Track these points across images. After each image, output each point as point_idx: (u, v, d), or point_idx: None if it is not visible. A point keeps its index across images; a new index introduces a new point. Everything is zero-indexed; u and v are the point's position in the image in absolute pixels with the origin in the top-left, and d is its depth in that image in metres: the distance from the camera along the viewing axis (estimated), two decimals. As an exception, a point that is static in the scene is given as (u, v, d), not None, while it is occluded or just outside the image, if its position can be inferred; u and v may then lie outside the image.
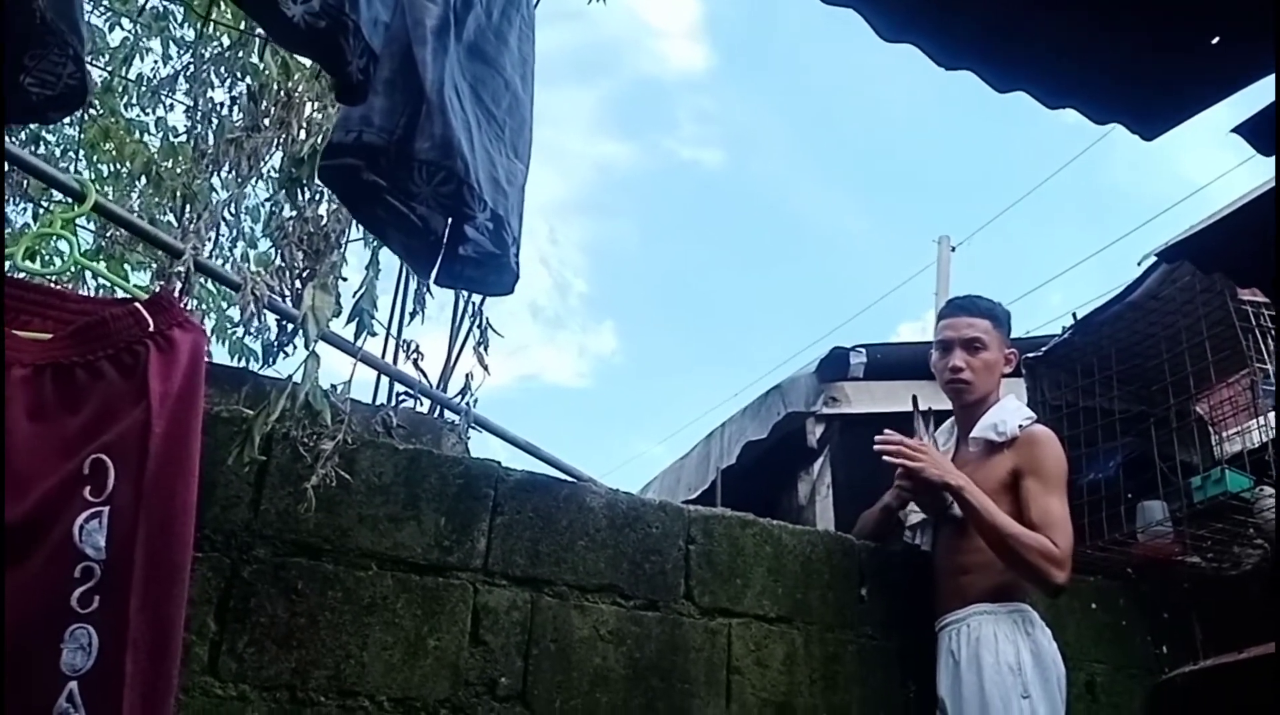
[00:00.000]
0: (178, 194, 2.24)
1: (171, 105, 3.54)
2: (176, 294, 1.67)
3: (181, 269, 1.79)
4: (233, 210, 2.17)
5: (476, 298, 2.40)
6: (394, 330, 2.30)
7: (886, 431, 2.68)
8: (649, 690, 2.39)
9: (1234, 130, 1.56)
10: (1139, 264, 3.03)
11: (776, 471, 4.55)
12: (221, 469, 2.07)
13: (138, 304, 1.45)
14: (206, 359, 1.58)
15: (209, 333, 3.06)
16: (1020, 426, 2.60)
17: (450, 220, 1.52)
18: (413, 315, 2.08)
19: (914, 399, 3.03)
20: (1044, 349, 3.45)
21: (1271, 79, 1.52)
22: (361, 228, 1.94)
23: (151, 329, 1.44)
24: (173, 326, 1.45)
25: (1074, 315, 3.44)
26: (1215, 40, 1.42)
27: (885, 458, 2.62)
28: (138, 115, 4.03)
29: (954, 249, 13.24)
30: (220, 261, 2.11)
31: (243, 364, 2.52)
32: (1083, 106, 1.51)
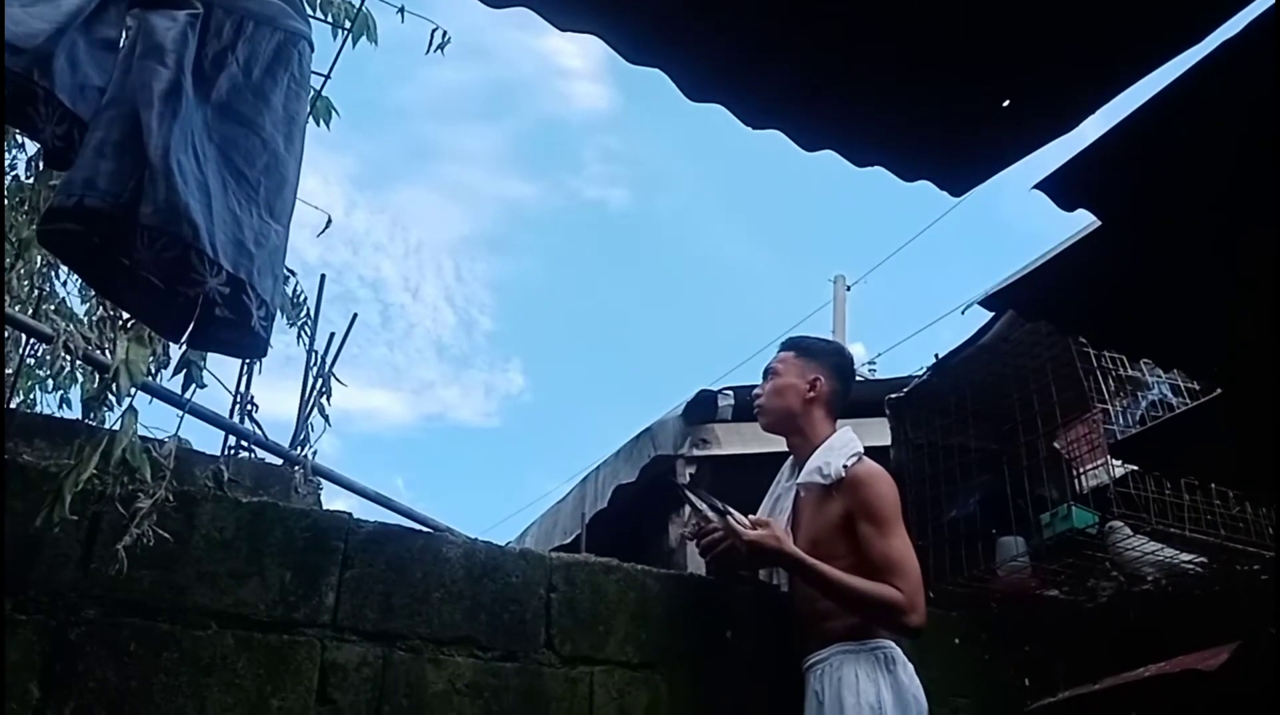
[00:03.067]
0: (13, 247, 2.14)
1: (23, 144, 3.40)
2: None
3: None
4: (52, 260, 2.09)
5: (332, 349, 2.37)
6: (241, 383, 2.25)
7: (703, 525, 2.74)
8: (506, 744, 2.35)
9: (1036, 187, 1.63)
10: (962, 313, 3.14)
11: (647, 515, 4.56)
12: (49, 527, 1.99)
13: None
14: (18, 412, 1.52)
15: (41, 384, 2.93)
16: (845, 466, 2.61)
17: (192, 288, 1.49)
18: (250, 366, 2.04)
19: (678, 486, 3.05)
20: (906, 389, 3.54)
21: (1067, 138, 1.60)
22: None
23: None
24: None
25: (936, 356, 3.54)
26: (1006, 103, 1.49)
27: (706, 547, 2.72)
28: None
29: (849, 288, 13.59)
30: (52, 305, 2.03)
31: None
32: (889, 165, 1.56)
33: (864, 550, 2.51)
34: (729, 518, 2.59)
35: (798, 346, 2.86)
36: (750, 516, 2.64)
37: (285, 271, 1.88)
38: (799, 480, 2.70)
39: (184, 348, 1.64)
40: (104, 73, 1.45)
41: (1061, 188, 1.62)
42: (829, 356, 2.88)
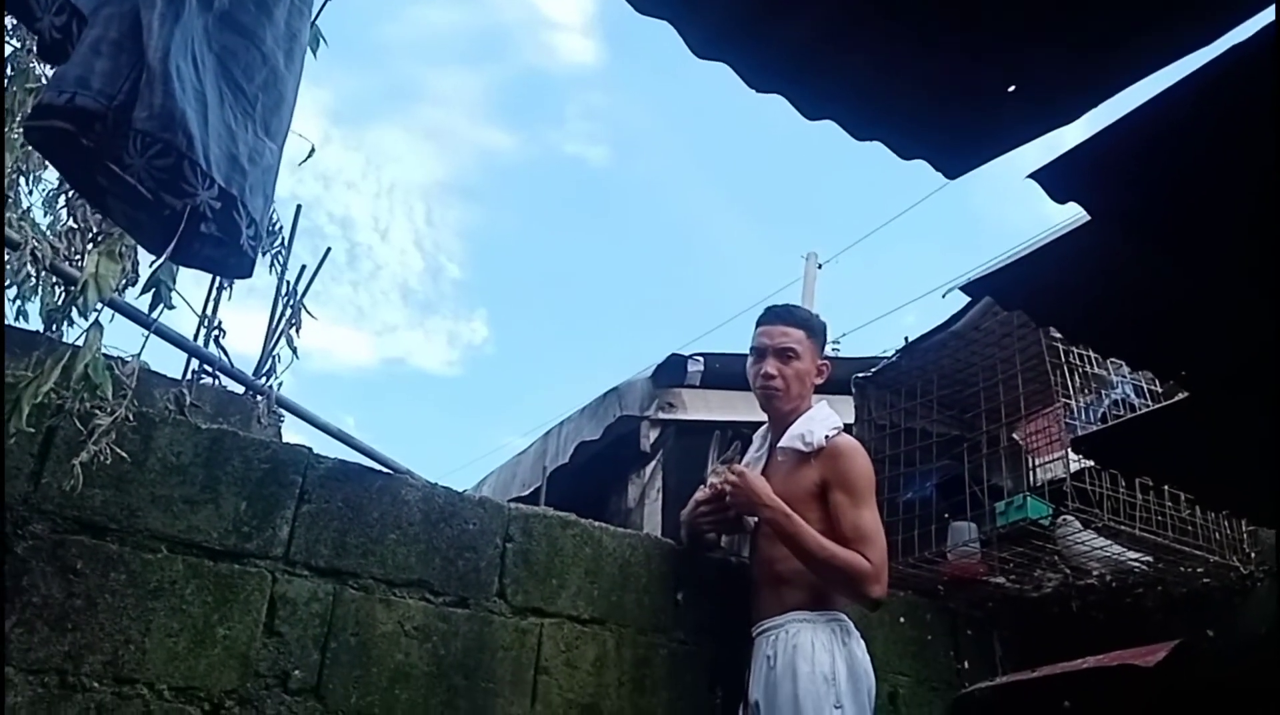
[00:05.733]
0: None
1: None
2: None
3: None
4: (30, 164, 2.02)
5: (303, 281, 2.33)
6: (207, 308, 2.20)
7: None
8: (451, 688, 2.36)
9: (1030, 176, 1.63)
10: (943, 296, 3.17)
11: (608, 473, 4.57)
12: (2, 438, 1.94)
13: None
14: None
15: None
16: (826, 437, 2.65)
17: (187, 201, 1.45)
18: (220, 290, 1.99)
19: (715, 435, 3.10)
20: (873, 370, 3.56)
21: (1067, 130, 1.60)
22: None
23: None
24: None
25: (905, 339, 3.56)
26: (1011, 89, 1.48)
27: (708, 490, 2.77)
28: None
29: (821, 266, 13.58)
30: (16, 214, 1.96)
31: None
32: (888, 140, 1.55)
33: (836, 519, 2.55)
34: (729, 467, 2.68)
35: (808, 327, 2.84)
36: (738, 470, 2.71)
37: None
38: (781, 444, 2.71)
39: (163, 262, 1.60)
40: (101, -37, 1.40)
41: (1056, 179, 1.61)
42: (825, 337, 2.91)
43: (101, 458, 1.79)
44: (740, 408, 3.85)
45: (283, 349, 2.20)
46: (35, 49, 1.32)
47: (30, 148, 1.95)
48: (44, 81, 1.95)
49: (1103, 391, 3.32)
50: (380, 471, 2.49)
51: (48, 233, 1.85)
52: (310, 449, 2.36)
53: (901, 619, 3.22)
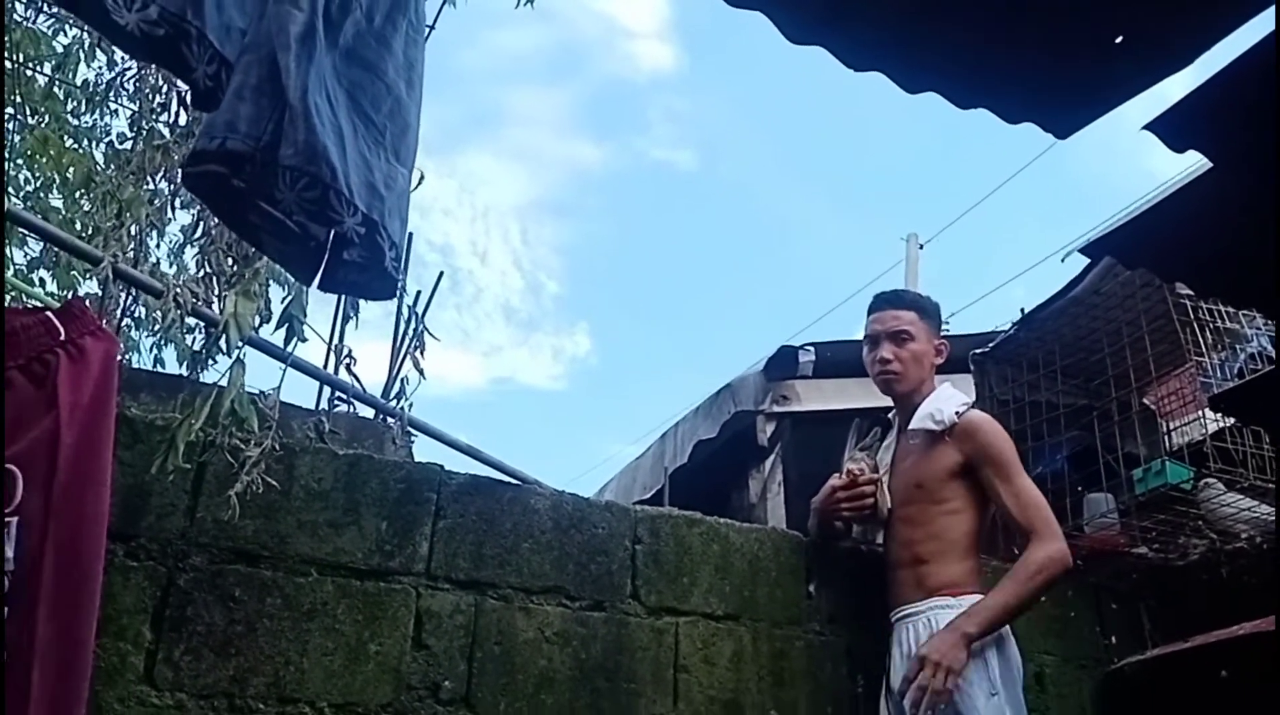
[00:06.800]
0: (116, 203, 2.21)
1: (116, 112, 3.50)
2: (90, 303, 1.66)
3: (102, 277, 1.78)
4: (160, 219, 2.15)
5: (420, 305, 2.40)
6: (335, 338, 2.29)
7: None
8: (594, 690, 2.40)
9: (1145, 127, 1.58)
10: (1062, 261, 3.08)
11: (728, 470, 4.57)
12: (157, 477, 2.06)
13: (49, 313, 1.45)
14: (125, 366, 1.57)
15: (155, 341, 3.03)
16: (957, 413, 2.61)
17: (334, 228, 1.52)
18: (346, 320, 2.08)
19: (855, 423, 3.06)
20: (991, 345, 3.48)
21: (1177, 78, 1.55)
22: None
23: (63, 337, 1.43)
24: (84, 335, 1.44)
25: (1022, 310, 3.47)
26: (1119, 40, 1.44)
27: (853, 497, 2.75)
28: (82, 122, 3.99)
29: (922, 247, 13.31)
30: (147, 271, 2.08)
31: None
32: (994, 106, 1.52)
33: (996, 499, 2.55)
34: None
35: (919, 308, 2.80)
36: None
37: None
38: (911, 426, 2.69)
39: (305, 292, 1.68)
40: (245, 15, 1.48)
41: (1173, 128, 1.56)
42: (939, 317, 2.88)
43: (254, 488, 1.89)
44: (856, 395, 3.80)
45: (409, 372, 2.28)
46: (190, 98, 1.42)
47: (160, 204, 2.09)
48: (168, 136, 2.09)
49: (1237, 346, 3.18)
50: (510, 483, 2.55)
51: (186, 278, 1.96)
52: (442, 466, 2.44)
53: (1042, 597, 3.14)
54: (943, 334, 2.96)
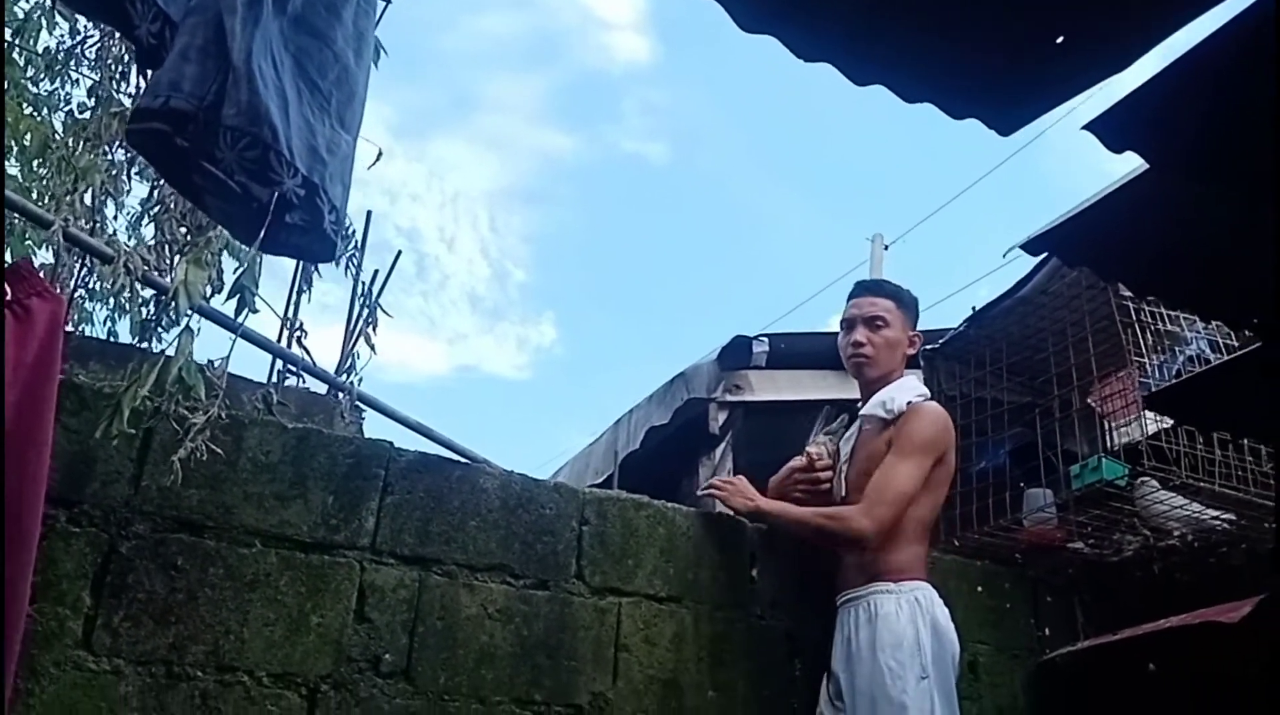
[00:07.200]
0: (72, 170, 2.19)
1: (76, 80, 3.44)
2: (43, 271, 1.65)
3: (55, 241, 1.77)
4: (116, 187, 2.13)
5: (376, 280, 2.41)
6: (289, 310, 2.29)
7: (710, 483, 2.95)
8: (535, 667, 2.43)
9: (1085, 127, 1.62)
10: (1003, 256, 3.14)
11: (679, 456, 4.61)
12: (101, 443, 2.05)
13: (-8, 273, 1.44)
14: (76, 334, 1.57)
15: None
16: (908, 403, 2.66)
17: (274, 189, 1.53)
18: (300, 293, 2.08)
19: (825, 409, 3.10)
20: (941, 341, 3.54)
21: (1119, 78, 1.59)
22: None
23: (8, 297, 1.43)
24: (31, 295, 1.44)
25: (973, 308, 3.53)
26: (1060, 40, 1.48)
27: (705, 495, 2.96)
28: (41, 90, 3.92)
29: (887, 247, 13.44)
30: (103, 237, 2.07)
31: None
32: (938, 101, 1.56)
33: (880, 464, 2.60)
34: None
35: (896, 297, 2.84)
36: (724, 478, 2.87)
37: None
38: (863, 411, 2.74)
39: (251, 257, 1.68)
40: (190, -25, 1.49)
41: (1111, 128, 1.61)
42: (917, 310, 2.91)
43: (198, 455, 1.89)
44: (809, 386, 3.86)
45: (361, 348, 2.28)
46: (135, 55, 1.42)
47: (115, 173, 2.07)
48: (127, 105, 2.08)
49: (1176, 349, 3.26)
50: (459, 461, 2.57)
51: (138, 246, 1.95)
52: (391, 443, 2.45)
53: (979, 588, 3.21)
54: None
